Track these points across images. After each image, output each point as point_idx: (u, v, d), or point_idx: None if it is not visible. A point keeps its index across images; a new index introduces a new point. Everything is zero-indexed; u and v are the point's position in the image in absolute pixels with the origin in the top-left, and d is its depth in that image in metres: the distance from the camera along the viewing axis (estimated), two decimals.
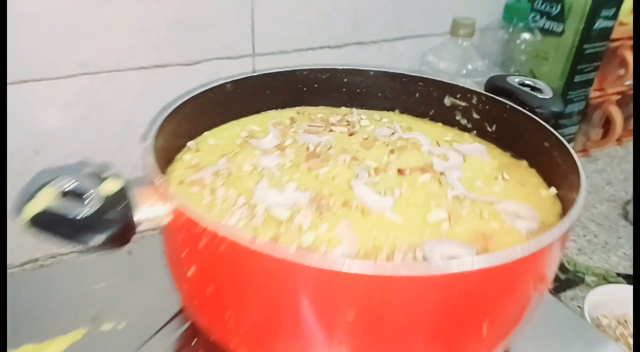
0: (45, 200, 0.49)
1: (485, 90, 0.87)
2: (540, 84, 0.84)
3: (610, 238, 1.18)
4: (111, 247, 0.48)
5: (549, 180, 0.72)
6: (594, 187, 1.40)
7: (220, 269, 0.51)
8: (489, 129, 0.84)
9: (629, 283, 1.01)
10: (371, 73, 0.91)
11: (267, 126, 0.83)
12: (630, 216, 1.24)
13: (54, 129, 0.90)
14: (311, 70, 0.90)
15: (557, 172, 0.69)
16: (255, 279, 0.49)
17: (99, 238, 0.46)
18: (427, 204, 0.65)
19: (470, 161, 0.76)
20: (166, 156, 0.74)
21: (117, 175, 0.55)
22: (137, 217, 0.52)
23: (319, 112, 0.91)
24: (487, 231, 0.61)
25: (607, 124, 1.51)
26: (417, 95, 0.91)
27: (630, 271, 1.06)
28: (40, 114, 0.88)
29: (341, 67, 0.91)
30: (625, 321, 0.93)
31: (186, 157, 0.73)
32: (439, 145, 0.79)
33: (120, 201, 0.51)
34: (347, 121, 0.87)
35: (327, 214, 0.62)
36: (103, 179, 0.52)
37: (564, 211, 0.65)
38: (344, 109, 0.93)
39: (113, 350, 0.67)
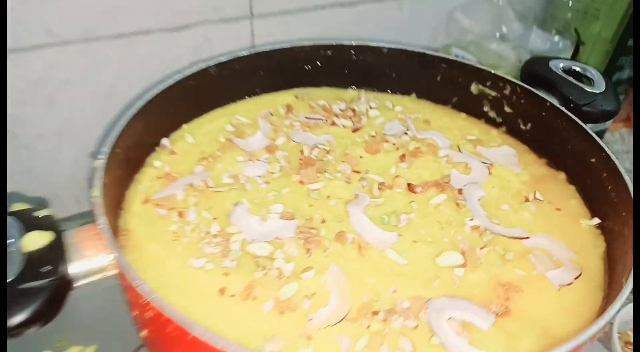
0: None
1: (522, 77, 0.72)
2: (591, 71, 0.69)
3: None
4: (37, 324, 0.38)
5: (592, 204, 0.59)
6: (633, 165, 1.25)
7: (170, 347, 0.42)
8: (522, 126, 0.70)
9: None
10: (385, 50, 0.76)
11: (257, 117, 0.71)
12: None
13: (24, 107, 0.80)
14: (313, 47, 0.76)
15: (604, 198, 0.56)
16: None
17: (18, 317, 0.37)
18: (439, 239, 0.54)
19: (496, 173, 0.63)
20: (135, 159, 0.63)
21: (50, 217, 0.45)
22: (73, 270, 0.43)
23: (321, 97, 0.77)
24: (511, 282, 0.50)
25: None
26: (438, 78, 0.76)
27: None
28: (8, 90, 0.77)
29: (349, 43, 0.76)
30: None
31: (157, 163, 0.62)
32: (459, 150, 0.66)
33: (49, 256, 0.41)
34: (353, 110, 0.73)
35: (317, 250, 0.52)
36: (31, 224, 0.42)
37: (609, 257, 0.52)
38: (350, 92, 0.79)
39: None
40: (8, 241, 0.40)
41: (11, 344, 0.57)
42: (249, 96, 0.77)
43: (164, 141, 0.66)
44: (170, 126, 0.68)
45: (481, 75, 0.72)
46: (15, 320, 0.37)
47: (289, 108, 0.73)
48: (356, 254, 0.52)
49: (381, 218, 0.55)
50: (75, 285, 0.43)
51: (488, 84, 0.71)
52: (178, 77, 0.66)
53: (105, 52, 0.80)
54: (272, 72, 0.76)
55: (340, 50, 0.76)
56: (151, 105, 0.62)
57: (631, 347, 0.81)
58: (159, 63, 0.83)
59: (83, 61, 0.79)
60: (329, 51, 0.76)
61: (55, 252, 0.41)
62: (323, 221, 0.55)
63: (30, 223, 0.43)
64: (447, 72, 0.75)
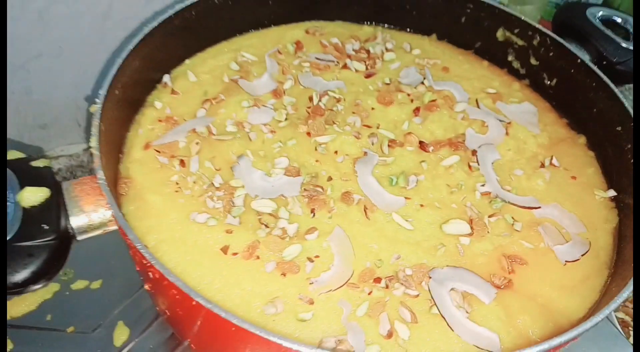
0: None
1: (553, 26, 0.66)
2: (631, 23, 0.63)
3: None
4: (39, 282, 0.38)
5: (610, 175, 0.57)
6: None
7: (173, 306, 0.42)
8: (547, 81, 0.65)
9: None
10: None
11: (264, 55, 0.66)
12: None
13: (15, 23, 0.75)
14: None
15: (624, 170, 0.54)
16: (213, 331, 0.40)
17: (20, 275, 0.37)
18: (448, 204, 0.52)
19: (513, 133, 0.59)
20: (135, 98, 0.59)
21: (47, 169, 0.43)
22: (73, 226, 0.42)
23: (334, 32, 0.71)
24: (516, 254, 0.49)
25: None
26: (462, 19, 0.70)
27: None
28: None
29: None
30: None
31: (157, 104, 0.58)
32: (478, 105, 0.62)
33: (48, 212, 0.40)
34: (368, 52, 0.68)
35: (321, 210, 0.50)
36: (28, 176, 0.41)
37: (620, 233, 0.51)
38: (366, 28, 0.73)
39: (86, 311, 0.62)
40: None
41: None
42: (256, 29, 0.71)
43: (165, 78, 0.62)
44: (171, 61, 0.64)
45: (510, 21, 0.66)
46: (15, 278, 0.36)
47: (298, 45, 0.68)
48: (361, 217, 0.50)
49: (389, 178, 0.53)
50: (77, 239, 0.42)
51: (516, 31, 0.66)
52: (179, 7, 0.60)
53: None
54: (282, 2, 0.70)
55: None
56: (151, 38, 0.57)
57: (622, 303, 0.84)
58: None
59: None
60: None
61: (55, 208, 0.39)
62: (329, 179, 0.53)
63: (27, 175, 0.41)
64: (473, 14, 0.68)
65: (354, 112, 0.59)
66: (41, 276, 0.37)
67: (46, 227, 0.38)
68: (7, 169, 0.40)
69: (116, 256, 0.64)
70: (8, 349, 0.55)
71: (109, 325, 0.60)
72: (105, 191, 0.41)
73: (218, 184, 0.52)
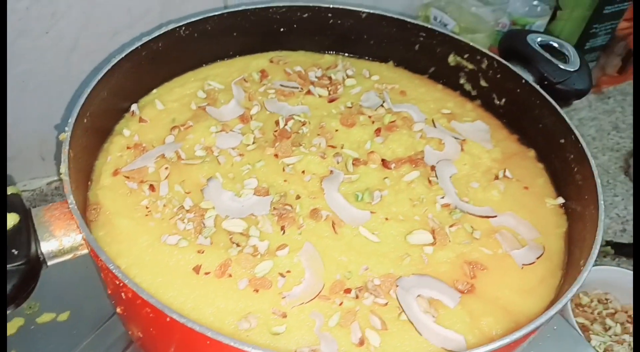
0: None
1: (499, 51, 0.71)
2: (567, 47, 0.69)
3: (605, 196, 1.10)
4: (9, 307, 0.38)
5: (558, 183, 0.61)
6: (598, 132, 1.30)
7: (147, 327, 0.42)
8: (496, 101, 0.70)
9: (616, 253, 0.96)
10: (363, 15, 0.74)
11: (230, 83, 0.68)
12: (631, 170, 1.16)
13: None
14: (289, 8, 0.73)
15: (569, 179, 0.58)
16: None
17: None
18: (411, 217, 0.55)
19: (468, 149, 0.63)
20: (103, 127, 0.61)
21: (17, 195, 0.43)
22: (43, 251, 0.42)
23: (297, 61, 0.75)
24: (477, 261, 0.52)
25: (628, 57, 1.35)
26: (416, 47, 0.74)
27: (621, 237, 1.00)
28: None
29: (326, 5, 0.73)
30: (607, 300, 0.90)
31: (126, 132, 0.60)
32: (434, 125, 0.66)
33: (18, 238, 0.40)
34: (330, 79, 0.72)
35: (291, 227, 0.52)
36: None
37: (570, 237, 0.55)
38: (327, 57, 0.77)
39: (53, 345, 0.61)
40: None
41: None
42: (222, 59, 0.74)
43: (133, 107, 0.63)
44: (139, 91, 0.66)
45: (459, 47, 0.71)
46: None
47: (263, 74, 0.71)
48: (330, 232, 0.52)
49: (355, 195, 0.56)
50: (47, 264, 0.42)
51: (466, 56, 0.71)
52: (146, 39, 0.62)
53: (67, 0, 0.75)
54: (246, 34, 0.73)
55: (317, 12, 0.73)
56: (118, 69, 0.59)
57: (582, 309, 0.88)
58: (126, 15, 0.78)
59: (41, 9, 0.73)
60: (305, 13, 0.73)
61: (24, 233, 0.40)
62: (298, 197, 0.55)
63: None
64: (425, 41, 0.73)
65: (318, 134, 0.62)
66: (11, 301, 0.37)
67: (15, 252, 0.38)
68: None
69: (84, 285, 0.63)
70: None
71: None
72: (75, 214, 0.42)
73: (188, 207, 0.53)
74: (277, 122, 0.63)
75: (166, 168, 0.56)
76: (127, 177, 0.55)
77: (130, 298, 0.40)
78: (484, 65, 0.69)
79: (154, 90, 0.67)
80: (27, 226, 0.41)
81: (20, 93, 0.80)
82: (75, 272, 0.64)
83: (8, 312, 0.37)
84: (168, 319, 0.37)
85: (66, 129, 0.49)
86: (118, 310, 0.46)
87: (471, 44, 0.69)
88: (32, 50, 0.77)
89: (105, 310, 0.63)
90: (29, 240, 0.40)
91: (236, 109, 0.64)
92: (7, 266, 0.38)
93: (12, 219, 0.39)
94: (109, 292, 0.45)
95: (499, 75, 0.68)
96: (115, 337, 0.61)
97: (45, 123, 0.86)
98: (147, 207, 0.52)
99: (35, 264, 0.40)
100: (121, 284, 0.39)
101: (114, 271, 0.39)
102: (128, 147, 0.58)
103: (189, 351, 0.42)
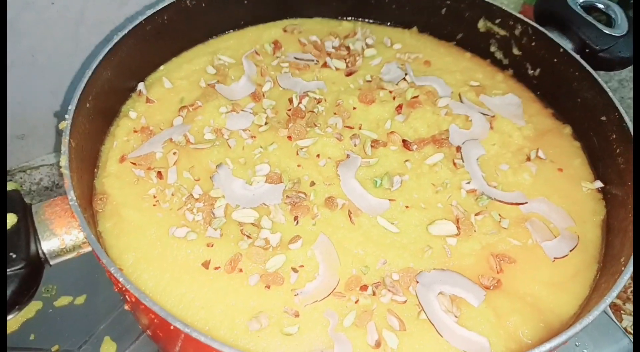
0: None
1: (535, 15, 0.65)
2: (614, 9, 0.62)
3: None
4: (10, 313, 0.37)
5: (596, 165, 0.56)
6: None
7: (154, 328, 0.41)
8: (530, 71, 0.64)
9: None
10: None
11: (241, 57, 0.64)
12: None
13: None
14: None
15: (610, 161, 0.53)
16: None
17: None
18: (433, 204, 0.51)
19: (498, 127, 0.58)
20: (109, 108, 0.58)
21: (16, 192, 0.41)
22: (44, 251, 0.41)
23: (313, 30, 0.69)
24: (504, 253, 0.48)
25: None
26: (443, 11, 0.68)
27: None
28: None
29: None
30: None
31: (132, 114, 0.57)
32: (461, 99, 0.61)
33: (17, 239, 0.38)
34: (348, 49, 0.66)
35: (304, 217, 0.49)
36: None
37: (608, 226, 0.51)
38: (345, 24, 0.71)
39: (71, 328, 0.61)
40: None
41: None
42: (233, 30, 0.69)
43: (140, 86, 0.60)
44: (146, 68, 0.62)
45: (490, 11, 0.64)
46: None
47: (276, 45, 0.66)
48: (346, 222, 0.49)
49: (373, 180, 0.52)
50: (50, 264, 0.41)
51: (497, 21, 0.64)
52: (149, 12, 0.58)
53: None
54: (258, 1, 0.68)
55: None
56: (122, 46, 0.56)
57: None
58: None
59: None
60: None
61: (23, 234, 0.38)
62: (312, 184, 0.52)
63: None
64: (453, 5, 0.67)
65: (335, 113, 0.58)
66: (11, 307, 0.36)
67: (14, 255, 0.37)
68: None
69: (100, 268, 0.63)
70: None
71: (95, 341, 0.59)
72: (77, 212, 0.40)
73: (197, 195, 0.50)
74: (290, 100, 0.59)
75: (174, 153, 0.53)
76: (134, 164, 0.52)
77: (134, 302, 0.38)
78: (517, 32, 0.63)
79: (162, 67, 0.63)
80: (26, 226, 0.39)
81: (30, 68, 0.78)
82: (92, 254, 0.64)
83: (10, 317, 0.36)
84: (172, 327, 0.36)
85: (66, 116, 0.46)
86: (126, 307, 0.45)
87: (504, 7, 0.62)
88: (39, 22, 0.74)
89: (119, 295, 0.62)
90: (28, 241, 0.38)
91: (247, 85, 0.60)
92: (7, 270, 0.36)
93: (9, 220, 0.38)
94: (116, 290, 0.44)
95: (533, 43, 0.62)
96: (131, 321, 0.61)
97: (58, 96, 0.84)
98: (154, 197, 0.50)
99: (36, 266, 0.39)
100: (124, 288, 0.37)
101: (115, 274, 0.37)
102: (135, 131, 0.56)
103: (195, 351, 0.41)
